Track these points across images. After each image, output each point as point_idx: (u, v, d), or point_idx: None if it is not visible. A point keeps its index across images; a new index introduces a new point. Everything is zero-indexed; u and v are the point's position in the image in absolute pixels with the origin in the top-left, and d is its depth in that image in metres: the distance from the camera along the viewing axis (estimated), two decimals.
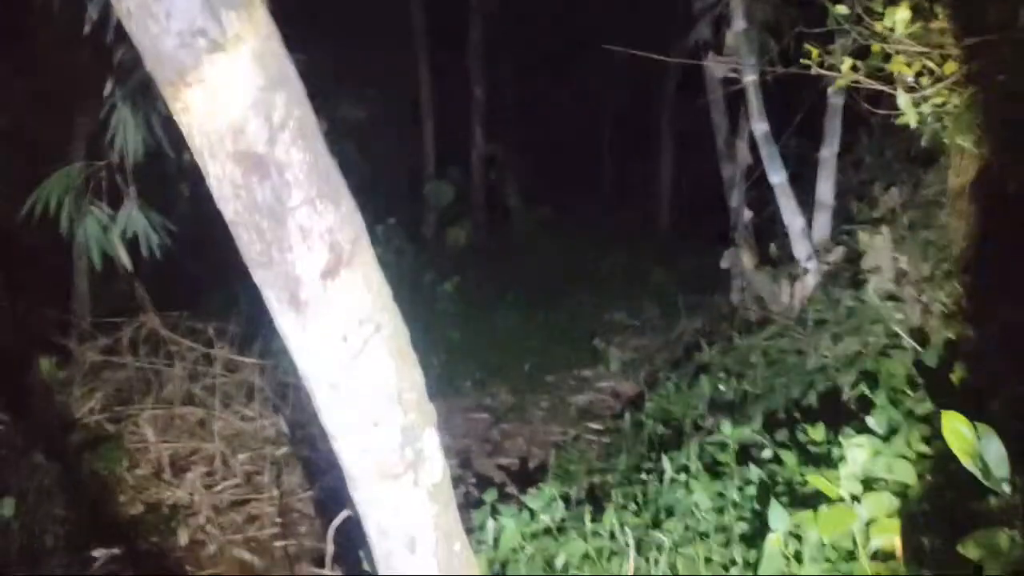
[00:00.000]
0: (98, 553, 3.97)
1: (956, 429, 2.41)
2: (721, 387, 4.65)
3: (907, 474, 2.80)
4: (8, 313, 5.19)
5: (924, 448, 2.97)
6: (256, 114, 1.82)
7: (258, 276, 1.98)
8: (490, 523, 3.36)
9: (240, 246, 1.96)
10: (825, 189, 5.31)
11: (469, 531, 2.46)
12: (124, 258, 4.32)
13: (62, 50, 4.59)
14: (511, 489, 4.17)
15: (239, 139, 1.82)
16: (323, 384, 2.09)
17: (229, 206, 1.90)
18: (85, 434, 4.65)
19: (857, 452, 2.86)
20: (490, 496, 3.64)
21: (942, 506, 2.62)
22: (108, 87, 3.94)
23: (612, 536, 3.23)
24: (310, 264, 1.95)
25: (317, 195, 1.92)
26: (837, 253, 5.13)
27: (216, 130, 1.82)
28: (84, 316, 5.44)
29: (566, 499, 3.62)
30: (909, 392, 3.61)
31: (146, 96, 3.88)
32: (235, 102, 1.80)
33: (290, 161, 1.87)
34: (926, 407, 3.37)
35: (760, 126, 5.31)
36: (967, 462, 2.32)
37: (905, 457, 2.90)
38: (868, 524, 2.54)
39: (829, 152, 5.25)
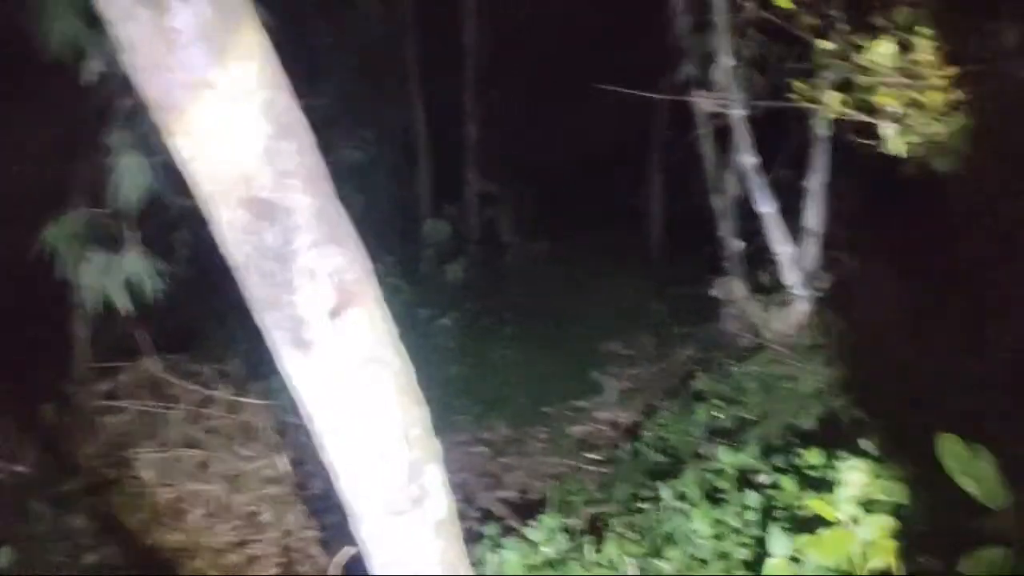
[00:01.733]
0: None
1: (952, 450, 2.48)
2: (717, 414, 4.68)
3: (904, 496, 2.85)
4: (8, 358, 5.19)
5: (919, 470, 3.00)
6: (266, 162, 1.87)
7: (264, 318, 2.02)
8: (492, 556, 3.38)
9: (246, 289, 2.00)
10: (813, 218, 5.40)
11: (472, 564, 2.48)
12: (124, 302, 4.35)
13: (64, 99, 4.66)
14: (512, 522, 4.18)
15: (248, 185, 1.87)
16: (328, 423, 2.12)
17: (237, 250, 1.95)
18: (85, 479, 4.63)
19: (854, 475, 2.91)
20: (491, 530, 3.66)
21: (939, 526, 2.66)
22: (110, 135, 4.01)
23: (614, 566, 3.25)
24: (317, 305, 1.99)
25: (324, 238, 1.97)
26: (827, 280, 5.21)
27: (226, 178, 1.86)
28: (84, 361, 5.45)
29: (567, 530, 3.64)
30: (903, 415, 3.66)
31: (147, 144, 3.94)
32: (244, 151, 1.85)
33: (298, 206, 1.92)
34: (920, 430, 3.41)
35: (748, 159, 5.40)
36: (963, 482, 2.38)
37: (901, 479, 2.94)
38: (867, 546, 2.58)
39: (816, 182, 5.34)
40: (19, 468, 4.78)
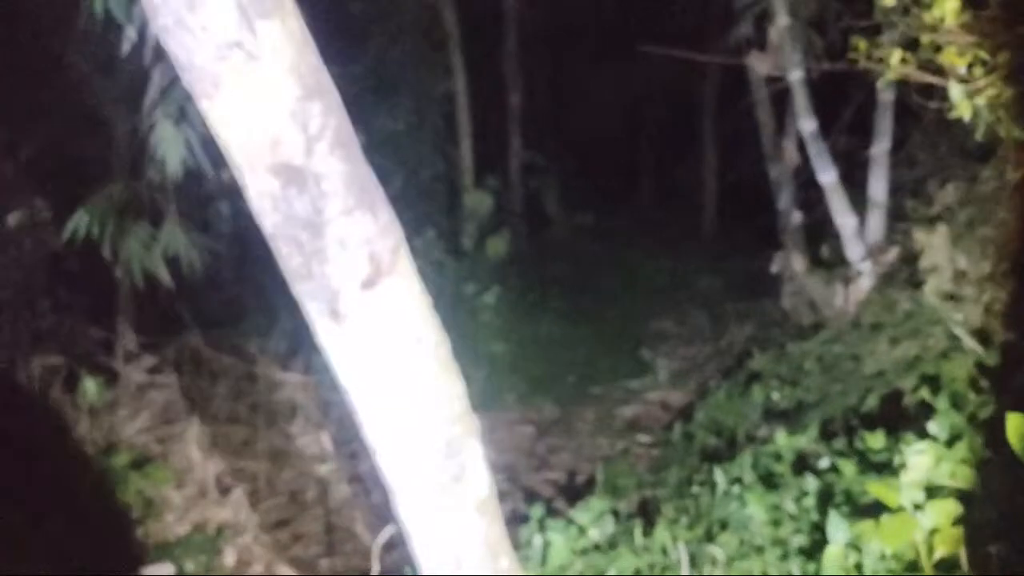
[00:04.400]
0: (147, 572, 3.97)
1: (1021, 431, 2.30)
2: (774, 395, 4.56)
3: (971, 481, 2.71)
4: (54, 334, 5.24)
5: (988, 453, 2.86)
6: (293, 125, 1.80)
7: (297, 289, 1.97)
8: (537, 539, 3.30)
9: (279, 259, 1.95)
10: (878, 187, 5.21)
11: (517, 547, 2.39)
12: (165, 276, 4.34)
13: (101, 70, 4.64)
14: (559, 504, 4.10)
15: (276, 151, 1.81)
16: (364, 397, 2.06)
17: (268, 219, 1.89)
18: (131, 454, 4.66)
19: (918, 459, 2.79)
20: (537, 512, 3.57)
21: (1008, 513, 2.53)
22: (147, 106, 3.97)
23: (664, 551, 3.16)
24: (349, 275, 1.92)
25: (355, 205, 1.90)
26: (892, 253, 5.03)
27: (253, 142, 1.80)
28: (128, 336, 5.46)
29: (616, 514, 3.55)
30: (972, 396, 3.50)
31: (185, 114, 3.90)
32: (272, 113, 1.78)
33: (328, 171, 1.85)
34: (990, 411, 3.26)
35: (808, 124, 5.23)
36: None
37: (968, 463, 2.80)
38: (931, 533, 2.45)
39: (880, 149, 5.16)
40: (68, 442, 4.81)
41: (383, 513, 4.18)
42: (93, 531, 4.16)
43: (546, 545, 3.24)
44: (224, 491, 4.65)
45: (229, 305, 5.85)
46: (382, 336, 2.00)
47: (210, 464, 4.77)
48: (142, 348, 5.40)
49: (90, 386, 4.85)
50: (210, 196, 5.40)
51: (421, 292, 2.09)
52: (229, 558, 4.18)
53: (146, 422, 4.97)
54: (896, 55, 3.55)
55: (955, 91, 3.50)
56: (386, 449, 2.12)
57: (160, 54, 3.76)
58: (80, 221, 4.05)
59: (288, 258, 1.94)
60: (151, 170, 4.02)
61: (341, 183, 1.89)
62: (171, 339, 5.28)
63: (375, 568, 2.83)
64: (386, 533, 2.79)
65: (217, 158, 4.09)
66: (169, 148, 3.94)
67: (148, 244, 4.15)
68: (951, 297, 4.11)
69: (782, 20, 5.19)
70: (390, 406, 2.07)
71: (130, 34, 3.71)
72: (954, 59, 3.46)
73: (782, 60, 5.28)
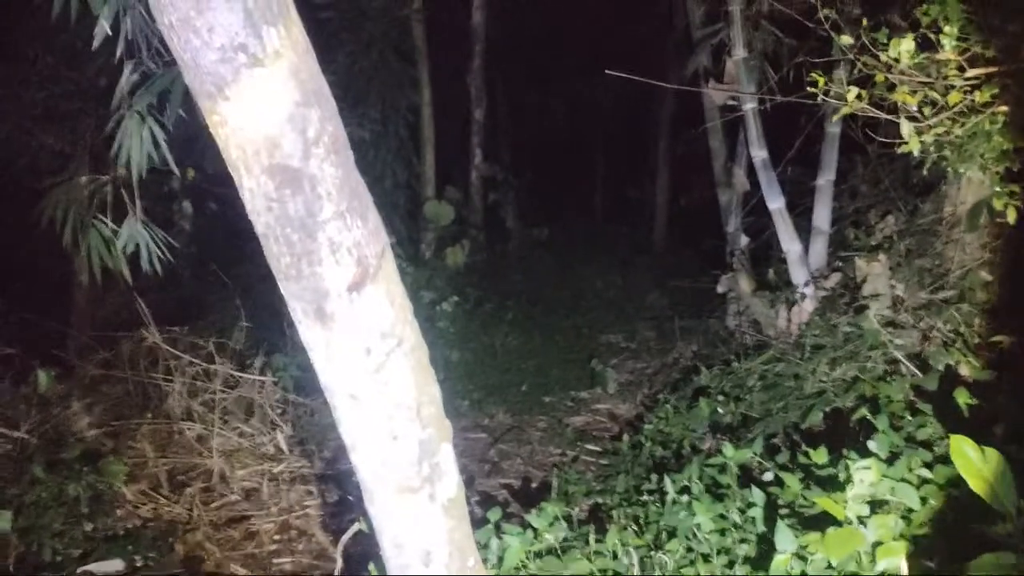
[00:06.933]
0: (95, 568, 3.93)
1: (964, 453, 2.44)
2: (719, 410, 4.66)
3: (911, 497, 2.82)
4: (8, 325, 5.14)
5: (925, 472, 2.98)
6: (292, 129, 1.85)
7: (285, 289, 2.00)
8: (494, 541, 3.35)
9: (269, 259, 1.98)
10: (822, 216, 5.37)
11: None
12: (125, 272, 4.30)
13: (70, 63, 4.59)
14: (513, 508, 4.16)
15: (274, 153, 1.85)
16: (345, 396, 2.10)
17: (261, 219, 1.92)
18: (83, 448, 4.61)
19: (863, 475, 2.87)
20: (494, 515, 3.63)
21: (947, 529, 2.63)
22: (116, 101, 3.93)
23: (615, 556, 3.23)
24: (338, 277, 1.97)
25: (347, 209, 1.95)
26: (834, 279, 5.18)
27: (252, 143, 1.84)
28: (84, 330, 5.39)
29: (568, 519, 3.61)
30: (909, 417, 3.64)
31: (153, 111, 3.88)
32: (272, 116, 1.83)
33: (323, 175, 1.90)
34: (926, 432, 3.39)
35: (759, 153, 5.37)
36: (976, 485, 2.34)
37: (907, 481, 2.92)
38: (874, 546, 2.53)
39: (826, 180, 5.32)
40: (19, 434, 4.73)
41: (338, 513, 4.22)
42: (43, 524, 4.10)
43: (503, 547, 3.30)
44: (176, 487, 4.63)
45: (188, 303, 5.79)
46: (365, 338, 2.05)
47: (162, 460, 4.73)
48: (97, 343, 5.33)
49: (43, 378, 4.77)
50: (173, 194, 5.36)
51: (403, 297, 2.14)
52: (180, 554, 4.15)
53: (99, 416, 4.91)
54: (852, 92, 3.71)
55: (906, 128, 3.66)
56: (362, 448, 2.17)
57: (132, 50, 3.74)
58: (42, 213, 3.99)
59: (278, 258, 1.98)
60: (116, 165, 3.97)
61: (335, 188, 1.94)
62: (127, 334, 5.22)
63: (339, 564, 2.87)
64: (352, 530, 2.85)
65: (182, 157, 4.09)
66: (135, 144, 3.90)
67: (109, 239, 4.10)
68: (890, 323, 4.29)
69: (739, 52, 5.35)
70: (369, 406, 2.12)
71: (104, 27, 3.67)
72: (906, 98, 3.61)
73: (738, 91, 5.42)
